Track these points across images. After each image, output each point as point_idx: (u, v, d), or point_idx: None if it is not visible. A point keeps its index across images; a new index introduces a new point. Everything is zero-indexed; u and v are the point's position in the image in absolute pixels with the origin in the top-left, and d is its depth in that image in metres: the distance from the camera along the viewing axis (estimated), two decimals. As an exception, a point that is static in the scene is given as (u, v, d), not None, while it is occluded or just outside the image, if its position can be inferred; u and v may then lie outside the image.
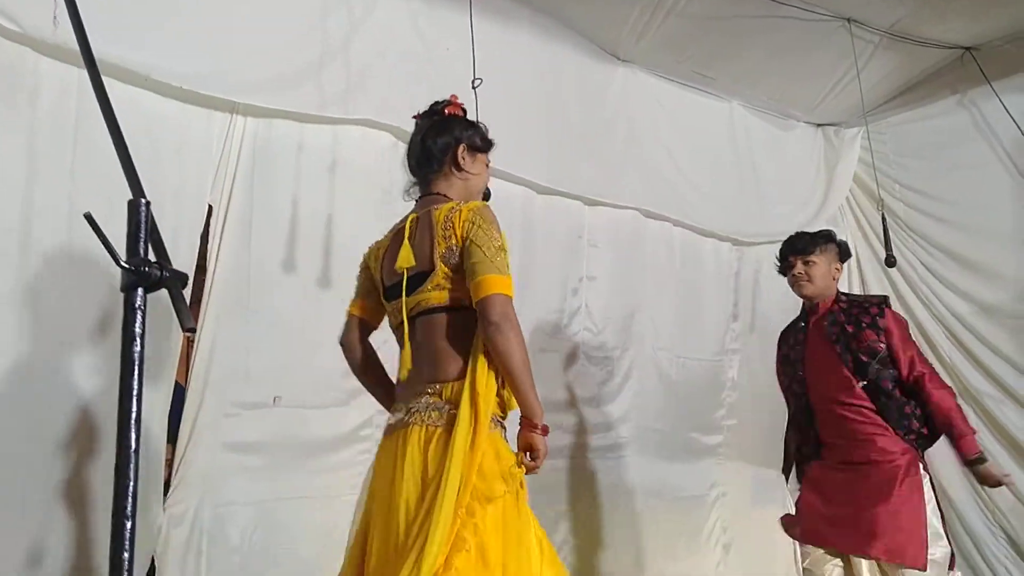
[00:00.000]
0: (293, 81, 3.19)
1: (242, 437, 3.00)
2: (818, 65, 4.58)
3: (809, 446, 3.26)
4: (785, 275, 3.35)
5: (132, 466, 1.02)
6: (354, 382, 3.23)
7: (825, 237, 3.35)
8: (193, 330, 1.06)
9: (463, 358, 2.08)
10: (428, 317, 2.15)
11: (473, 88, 2.84)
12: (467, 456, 1.95)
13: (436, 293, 2.13)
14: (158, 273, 1.07)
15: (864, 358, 3.09)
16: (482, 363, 2.05)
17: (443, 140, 2.26)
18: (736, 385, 4.64)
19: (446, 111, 2.32)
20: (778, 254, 3.39)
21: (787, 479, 4.87)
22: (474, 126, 2.33)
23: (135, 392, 1.05)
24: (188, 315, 1.06)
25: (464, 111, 2.36)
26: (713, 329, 4.68)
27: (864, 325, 3.15)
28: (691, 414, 4.47)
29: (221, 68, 2.98)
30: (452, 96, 2.35)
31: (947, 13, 4.19)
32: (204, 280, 3.03)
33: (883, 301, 3.26)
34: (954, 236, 4.77)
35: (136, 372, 1.05)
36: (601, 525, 4.03)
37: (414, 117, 2.37)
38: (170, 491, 2.85)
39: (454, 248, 2.10)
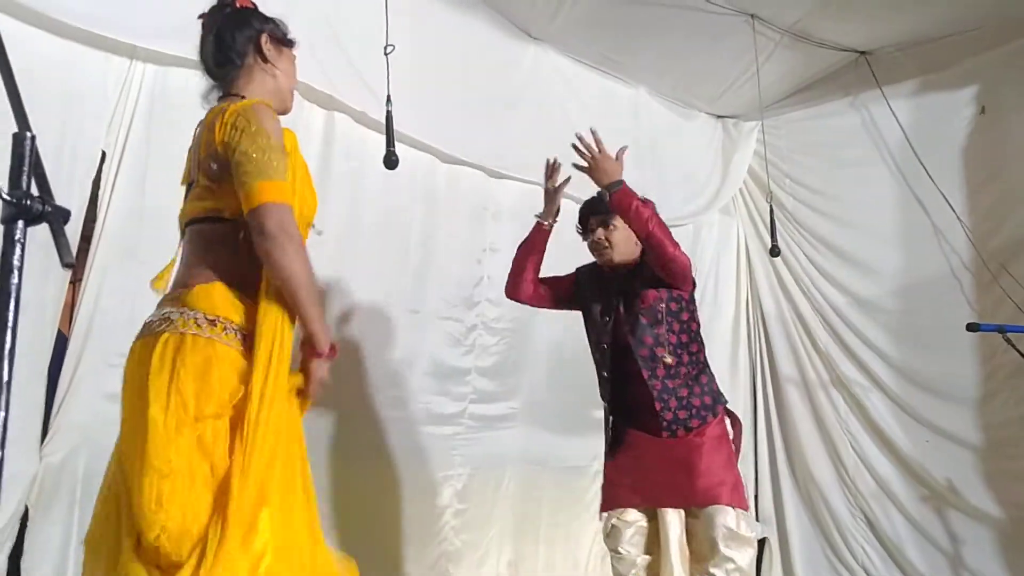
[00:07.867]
0: (197, 28, 3.12)
1: (124, 388, 2.94)
2: (722, 58, 4.73)
3: None
4: (585, 239, 3.05)
5: (3, 399, 1.03)
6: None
7: None
8: (72, 265, 1.05)
9: (212, 270, 1.90)
10: (192, 228, 2.00)
11: (385, 55, 2.87)
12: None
13: (194, 204, 1.98)
14: (40, 207, 1.07)
15: (644, 319, 2.87)
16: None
17: (244, 32, 2.04)
18: (624, 363, 4.77)
19: (237, 4, 2.08)
20: (578, 215, 3.08)
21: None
22: (273, 20, 2.10)
23: (10, 324, 1.05)
24: (68, 250, 1.07)
25: (255, 5, 2.12)
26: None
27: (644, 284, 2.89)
28: (579, 389, 4.57)
29: (122, 10, 2.89)
30: None
31: (846, 14, 4.38)
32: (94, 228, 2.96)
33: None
34: (837, 231, 4.99)
35: (12, 304, 1.05)
36: (488, 491, 4.12)
37: (199, 17, 2.12)
38: (46, 439, 2.79)
39: (214, 155, 1.88)
